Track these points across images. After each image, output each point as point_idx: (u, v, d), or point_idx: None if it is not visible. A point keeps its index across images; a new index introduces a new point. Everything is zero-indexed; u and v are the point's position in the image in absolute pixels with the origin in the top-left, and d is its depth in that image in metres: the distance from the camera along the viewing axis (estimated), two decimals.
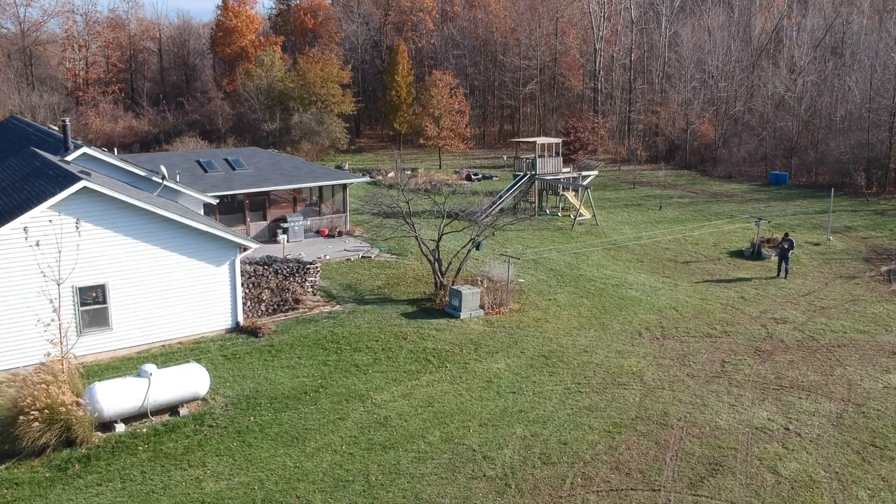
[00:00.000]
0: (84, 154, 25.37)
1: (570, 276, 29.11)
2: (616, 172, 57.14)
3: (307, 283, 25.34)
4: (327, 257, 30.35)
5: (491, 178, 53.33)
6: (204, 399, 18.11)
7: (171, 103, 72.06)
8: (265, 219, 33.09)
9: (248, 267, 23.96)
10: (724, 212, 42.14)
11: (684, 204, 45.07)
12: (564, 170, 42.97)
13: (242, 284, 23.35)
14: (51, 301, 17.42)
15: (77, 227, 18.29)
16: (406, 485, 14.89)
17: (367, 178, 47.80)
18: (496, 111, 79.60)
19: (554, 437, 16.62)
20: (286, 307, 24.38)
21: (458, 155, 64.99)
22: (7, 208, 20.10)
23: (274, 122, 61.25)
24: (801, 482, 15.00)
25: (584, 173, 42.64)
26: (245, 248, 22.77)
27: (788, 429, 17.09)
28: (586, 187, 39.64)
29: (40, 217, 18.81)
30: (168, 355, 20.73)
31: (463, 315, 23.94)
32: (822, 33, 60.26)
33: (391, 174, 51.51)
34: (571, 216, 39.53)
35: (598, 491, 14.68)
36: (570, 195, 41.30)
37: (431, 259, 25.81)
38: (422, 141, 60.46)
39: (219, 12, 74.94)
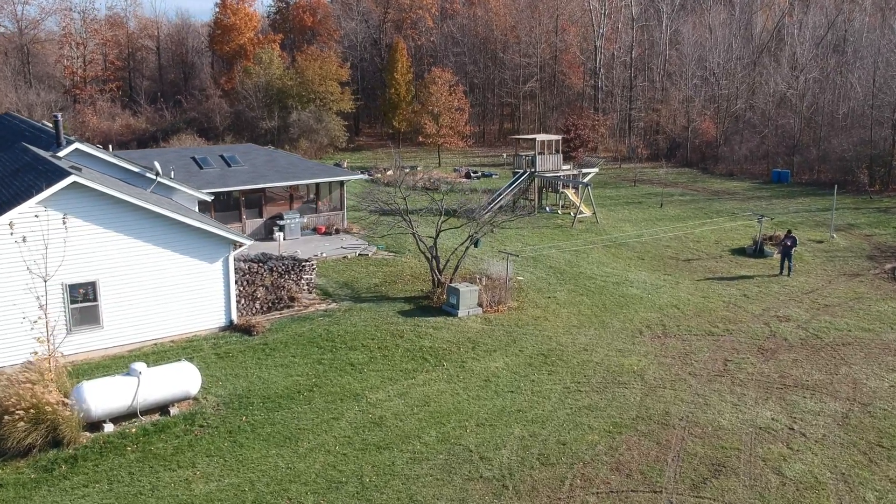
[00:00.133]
0: (76, 150, 25.00)
1: (570, 274, 28.71)
2: (617, 170, 56.74)
3: (303, 281, 24.95)
4: (324, 255, 29.97)
5: (491, 175, 52.94)
6: (195, 398, 17.73)
7: (169, 101, 71.69)
8: (261, 216, 32.69)
9: (242, 264, 23.59)
10: (725, 209, 41.74)
11: (685, 202, 44.67)
12: (564, 167, 42.58)
13: (236, 282, 22.97)
14: (37, 298, 17.02)
15: (64, 223, 17.88)
16: (400, 486, 14.50)
17: (365, 176, 47.40)
18: (496, 109, 79.21)
19: (553, 438, 16.23)
20: (281, 305, 23.99)
21: (458, 153, 64.60)
22: None
23: (272, 120, 60.86)
24: (806, 484, 14.60)
25: (584, 171, 42.22)
26: (239, 245, 22.38)
27: (793, 429, 16.69)
28: (586, 184, 39.25)
29: (28, 213, 18.42)
30: (160, 354, 20.35)
31: (461, 313, 23.56)
32: (823, 31, 59.84)
33: (390, 172, 51.09)
34: (571, 214, 39.14)
35: (597, 492, 14.29)
36: (570, 193, 40.90)
37: (429, 256, 25.42)
38: (421, 139, 60.05)
39: (217, 10, 74.57)
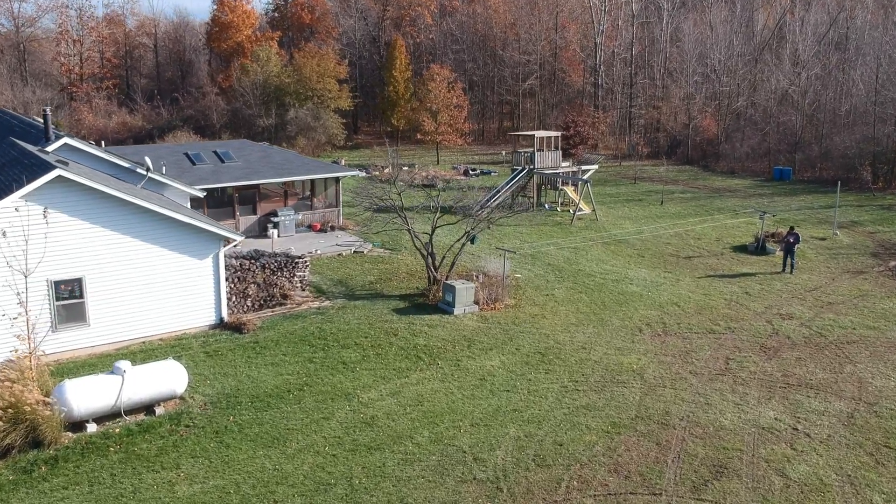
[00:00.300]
0: (65, 145, 24.47)
1: (569, 272, 28.22)
2: (617, 168, 56.23)
3: (296, 278, 24.47)
4: (318, 252, 29.48)
5: (489, 173, 52.46)
6: (182, 397, 17.24)
7: (166, 99, 71.22)
8: (255, 213, 32.19)
9: (233, 261, 23.10)
10: (726, 207, 41.23)
11: (686, 199, 44.16)
12: (564, 164, 42.07)
13: (227, 279, 22.49)
14: (17, 294, 16.53)
15: (45, 216, 17.40)
16: (391, 488, 14.01)
17: (363, 173, 46.92)
18: (496, 107, 78.71)
19: (549, 438, 15.74)
20: (273, 302, 23.51)
21: (457, 151, 64.10)
22: None
23: (269, 118, 60.39)
24: (810, 486, 14.10)
25: (583, 167, 41.70)
26: (229, 242, 21.89)
27: (797, 429, 16.20)
28: (586, 181, 38.74)
29: (8, 206, 17.94)
30: (148, 352, 19.86)
31: (457, 311, 23.07)
32: (825, 28, 59.32)
33: (388, 170, 50.62)
34: (571, 211, 38.64)
35: (595, 495, 13.80)
36: (569, 190, 40.39)
37: (424, 253, 24.93)
38: (419, 136, 59.56)
39: (215, 7, 74.11)
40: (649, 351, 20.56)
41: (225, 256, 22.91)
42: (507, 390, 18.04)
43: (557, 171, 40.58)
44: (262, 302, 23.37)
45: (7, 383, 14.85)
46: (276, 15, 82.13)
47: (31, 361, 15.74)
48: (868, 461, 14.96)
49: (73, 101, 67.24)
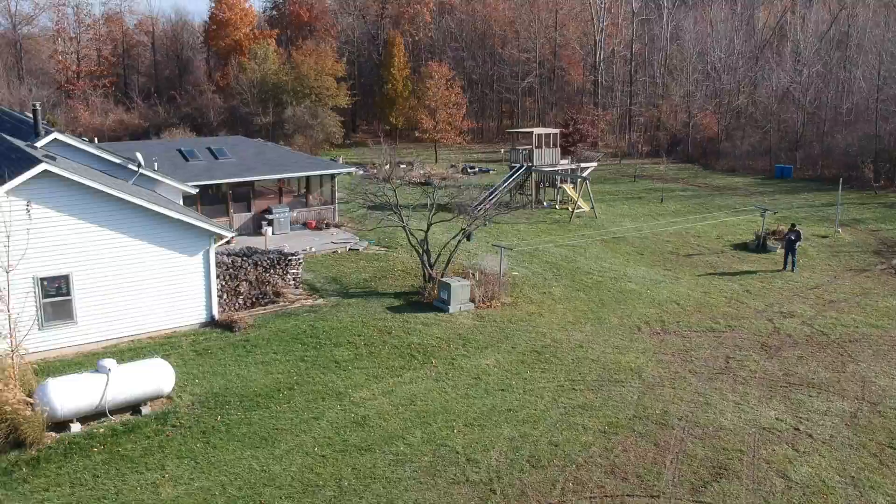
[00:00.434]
0: (55, 140, 24.07)
1: (567, 269, 27.81)
2: (616, 166, 55.84)
3: (289, 276, 24.07)
4: (313, 249, 29.07)
5: (488, 171, 52.08)
6: (169, 397, 16.85)
7: (164, 97, 70.83)
8: (249, 210, 31.77)
9: (225, 258, 22.70)
10: (727, 205, 40.83)
11: (686, 197, 43.76)
12: (563, 161, 41.64)
13: (219, 276, 22.07)
14: None
15: (28, 210, 17.01)
16: (381, 490, 13.62)
17: (360, 171, 46.54)
18: (495, 105, 78.30)
19: (544, 438, 15.34)
20: (266, 300, 23.11)
21: (456, 149, 63.63)
22: None
23: (267, 116, 59.95)
24: (813, 488, 13.70)
25: (582, 165, 41.27)
26: (220, 238, 21.48)
27: (798, 429, 15.79)
28: (585, 178, 38.32)
29: None
30: (137, 350, 19.46)
31: (452, 309, 22.67)
32: (826, 26, 58.88)
33: (386, 167, 50.22)
34: (569, 209, 38.23)
35: (591, 497, 13.40)
36: (568, 187, 39.97)
37: (419, 251, 24.52)
38: (417, 135, 59.13)
39: (213, 5, 73.68)
40: (648, 349, 20.16)
41: (217, 254, 22.53)
42: (502, 389, 17.65)
43: (556, 169, 40.17)
44: (254, 300, 22.97)
45: None
46: (275, 13, 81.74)
47: (12, 360, 15.33)
48: (872, 462, 14.56)
49: (69, 99, 66.84)
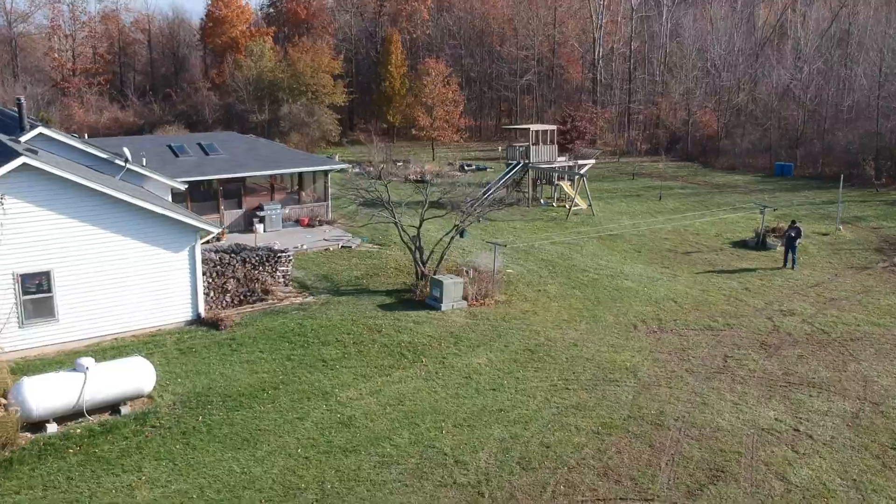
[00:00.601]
0: (41, 134, 23.62)
1: (563, 267, 27.31)
2: (615, 164, 55.35)
3: (278, 273, 23.56)
4: (304, 247, 28.57)
5: (485, 169, 51.59)
6: (150, 396, 16.36)
7: (159, 95, 70.36)
8: (240, 207, 31.26)
9: (212, 255, 22.21)
10: (727, 202, 40.31)
11: (685, 195, 43.26)
12: (560, 158, 41.13)
13: (205, 273, 21.59)
14: None
15: (2, 204, 16.52)
16: (365, 493, 13.12)
17: (356, 169, 46.04)
18: (494, 103, 77.79)
19: (535, 440, 14.84)
20: (254, 298, 22.61)
21: (453, 147, 63.10)
22: None
23: (263, 114, 59.46)
24: (813, 491, 13.20)
25: (580, 162, 40.75)
26: (206, 234, 21.00)
27: (798, 430, 15.29)
28: (582, 175, 37.81)
29: None
30: (120, 349, 18.97)
31: (444, 307, 22.17)
32: (827, 24, 58.36)
33: (383, 166, 49.74)
34: (567, 206, 37.73)
35: (582, 500, 12.90)
36: (565, 185, 39.47)
37: (412, 247, 24.03)
38: (414, 132, 58.63)
39: (209, 2, 73.22)
40: (644, 348, 19.66)
41: (204, 250, 22.07)
42: (494, 389, 17.15)
43: (553, 166, 39.66)
44: (241, 297, 22.48)
45: None
46: (272, 10, 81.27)
47: None
48: (874, 464, 14.05)
49: (65, 96, 66.36)
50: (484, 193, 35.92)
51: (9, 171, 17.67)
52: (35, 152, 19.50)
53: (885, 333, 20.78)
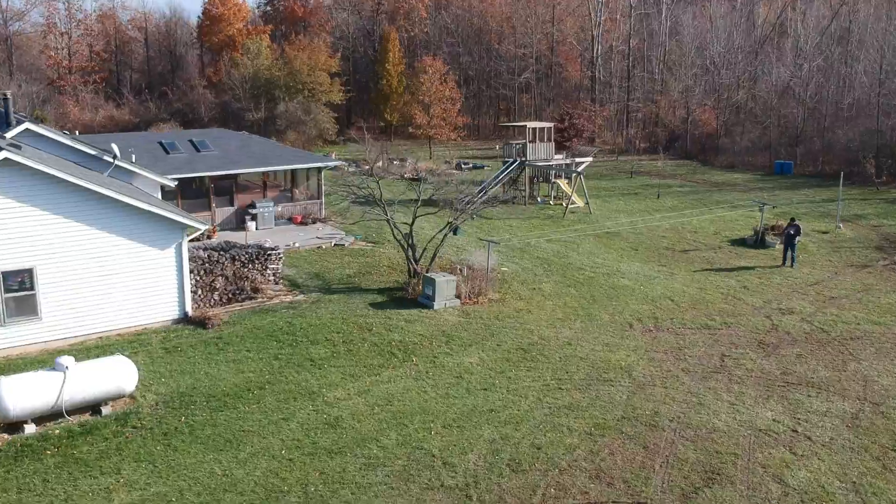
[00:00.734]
0: (27, 130, 23.24)
1: (558, 265, 26.91)
2: (614, 163, 54.94)
3: (268, 271, 23.17)
4: (296, 245, 28.18)
5: (482, 167, 51.18)
6: (131, 396, 15.97)
7: (156, 93, 69.96)
8: (232, 204, 30.85)
9: (201, 252, 21.82)
10: (726, 200, 39.91)
11: (684, 193, 42.87)
12: (557, 156, 40.73)
13: (193, 271, 21.20)
14: None
15: None
16: (349, 496, 12.73)
17: (352, 167, 45.61)
18: (492, 102, 77.37)
19: (526, 441, 14.45)
20: (243, 296, 22.21)
21: (451, 145, 62.73)
22: None
23: (259, 112, 59.07)
24: (811, 494, 12.80)
25: (577, 160, 40.36)
26: (193, 230, 20.58)
27: (797, 431, 14.89)
28: (579, 173, 37.41)
29: None
30: (104, 348, 18.58)
31: (437, 305, 21.78)
32: (827, 21, 57.94)
33: (379, 164, 49.30)
34: (564, 204, 37.33)
35: (573, 503, 12.52)
36: (562, 183, 39.06)
37: (404, 245, 23.63)
38: (411, 130, 58.23)
39: (206, 0, 72.85)
40: (639, 347, 19.26)
41: (192, 248, 21.70)
42: (485, 389, 16.75)
43: (550, 164, 39.25)
44: (230, 296, 22.08)
45: None
46: (269, 9, 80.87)
47: None
48: (874, 467, 13.65)
49: (60, 94, 65.97)
50: (479, 191, 35.50)
51: None
52: (18, 147, 19.11)
53: (885, 332, 20.38)
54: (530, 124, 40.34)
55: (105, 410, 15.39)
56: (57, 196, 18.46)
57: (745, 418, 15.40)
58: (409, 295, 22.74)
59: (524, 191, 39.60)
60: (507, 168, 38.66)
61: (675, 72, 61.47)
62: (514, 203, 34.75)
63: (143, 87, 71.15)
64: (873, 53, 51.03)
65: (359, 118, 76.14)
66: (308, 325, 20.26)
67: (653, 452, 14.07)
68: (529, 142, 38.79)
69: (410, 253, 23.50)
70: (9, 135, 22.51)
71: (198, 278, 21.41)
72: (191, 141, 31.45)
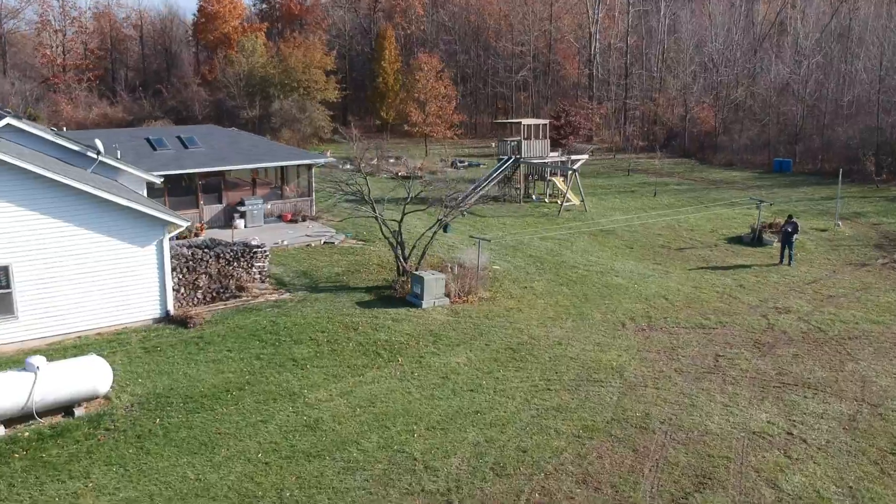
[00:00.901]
0: (8, 125, 22.72)
1: (551, 263, 26.43)
2: (611, 161, 54.45)
3: (254, 269, 22.68)
4: (285, 242, 27.70)
5: (478, 165, 50.69)
6: (106, 397, 15.49)
7: (150, 91, 69.48)
8: (221, 202, 30.35)
9: (184, 250, 21.34)
10: (723, 198, 39.41)
11: (681, 191, 42.38)
12: (552, 154, 40.23)
13: (176, 269, 20.72)
14: None
15: None
16: (326, 501, 12.25)
17: (349, 166, 45.13)
18: (489, 100, 76.87)
19: (512, 444, 13.96)
20: (227, 295, 21.73)
21: (447, 143, 62.18)
22: None
23: (254, 110, 58.59)
24: (806, 499, 12.32)
25: (573, 157, 39.85)
26: (174, 227, 20.09)
27: (792, 434, 14.40)
28: (575, 171, 36.91)
29: None
30: (82, 348, 18.09)
31: (425, 304, 21.29)
32: (827, 19, 57.43)
33: (374, 161, 48.83)
34: (559, 202, 36.84)
35: None
36: (557, 180, 38.57)
37: (393, 242, 23.15)
38: (407, 128, 57.72)
39: None
40: (631, 347, 18.77)
41: (176, 245, 21.22)
42: (471, 390, 16.27)
43: (545, 161, 38.75)
44: (214, 294, 21.60)
45: None
46: (265, 6, 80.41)
47: None
48: (872, 471, 13.16)
49: (53, 92, 65.50)
50: (472, 189, 35.03)
51: None
52: None
53: (884, 332, 19.89)
54: (525, 121, 39.84)
55: (78, 412, 14.92)
56: (34, 192, 17.99)
57: (738, 420, 14.92)
58: (398, 293, 22.26)
59: (518, 188, 39.09)
60: (501, 165, 38.15)
61: (673, 69, 60.96)
62: (504, 200, 34.18)
63: (138, 85, 70.68)
64: (873, 50, 50.54)
65: (354, 116, 75.77)
66: (292, 324, 19.77)
67: (642, 456, 13.59)
68: (524, 139, 38.29)
69: (399, 251, 23.02)
70: None
71: (181, 276, 20.93)
72: (178, 137, 30.93)
